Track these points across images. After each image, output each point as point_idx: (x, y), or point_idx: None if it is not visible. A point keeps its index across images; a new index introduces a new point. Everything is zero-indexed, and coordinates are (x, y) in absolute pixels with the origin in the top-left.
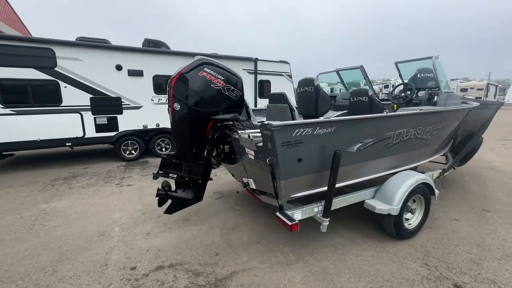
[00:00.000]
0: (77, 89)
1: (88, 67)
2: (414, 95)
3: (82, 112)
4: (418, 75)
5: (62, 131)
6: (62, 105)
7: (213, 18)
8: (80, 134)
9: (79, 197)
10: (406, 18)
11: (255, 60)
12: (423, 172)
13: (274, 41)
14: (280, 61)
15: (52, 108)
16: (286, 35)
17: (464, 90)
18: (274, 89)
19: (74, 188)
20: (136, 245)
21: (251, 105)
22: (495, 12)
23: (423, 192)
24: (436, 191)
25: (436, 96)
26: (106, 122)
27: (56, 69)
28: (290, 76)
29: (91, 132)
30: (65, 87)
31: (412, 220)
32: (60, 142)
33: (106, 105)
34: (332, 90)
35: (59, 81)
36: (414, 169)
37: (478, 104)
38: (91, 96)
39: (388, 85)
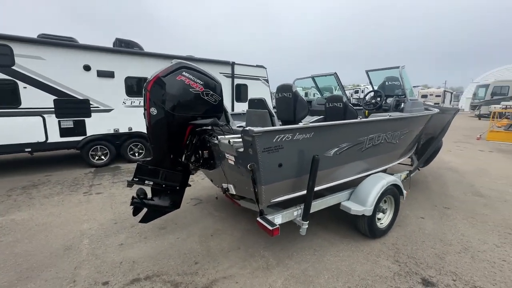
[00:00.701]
0: (39, 90)
1: (52, 66)
2: (383, 102)
3: (44, 115)
4: (386, 83)
5: (20, 135)
6: (21, 107)
7: (189, 19)
8: (42, 139)
9: (41, 208)
10: (368, 30)
11: (232, 64)
12: (392, 174)
13: (251, 45)
14: (257, 66)
15: (9, 110)
16: (262, 38)
17: (424, 96)
18: (251, 93)
19: (34, 198)
20: (108, 257)
21: (228, 109)
22: (448, 28)
23: (393, 193)
24: (404, 192)
25: (403, 103)
26: (73, 126)
27: (14, 67)
28: (267, 81)
29: (54, 137)
30: (24, 87)
31: (384, 219)
32: (18, 147)
33: (72, 108)
34: (306, 94)
35: (17, 81)
36: (384, 171)
37: (439, 110)
38: (55, 97)
39: (358, 90)
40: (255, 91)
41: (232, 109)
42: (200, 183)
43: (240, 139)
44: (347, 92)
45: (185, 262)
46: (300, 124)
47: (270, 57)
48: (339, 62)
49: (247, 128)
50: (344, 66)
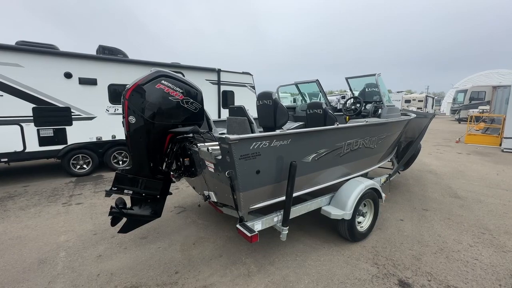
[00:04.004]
0: (17, 98)
1: (31, 74)
2: (363, 108)
3: (22, 124)
4: (366, 90)
5: None
6: None
7: (176, 28)
8: (20, 148)
9: (16, 220)
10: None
11: (218, 71)
12: (372, 178)
13: (238, 53)
14: (243, 72)
15: None
16: (249, 45)
17: (408, 101)
18: (238, 99)
19: (9, 211)
20: (85, 270)
21: (214, 116)
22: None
23: (372, 196)
24: (383, 195)
25: (380, 109)
26: (52, 135)
27: None
28: (253, 87)
29: (33, 146)
30: (1, 95)
31: (364, 223)
32: None
33: (52, 116)
34: (294, 100)
35: None
36: (365, 175)
37: (415, 115)
38: (34, 106)
39: (344, 96)
40: (242, 97)
41: (219, 116)
42: (185, 190)
43: (219, 147)
44: (333, 97)
45: (165, 272)
46: (277, 131)
47: (256, 64)
48: (330, 68)
49: (224, 136)
50: (332, 72)
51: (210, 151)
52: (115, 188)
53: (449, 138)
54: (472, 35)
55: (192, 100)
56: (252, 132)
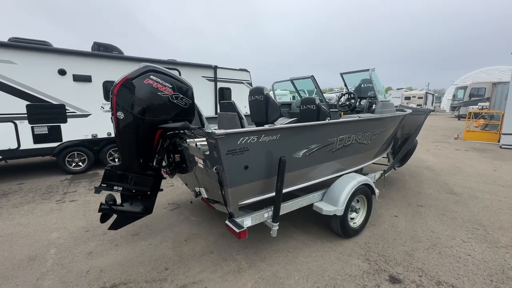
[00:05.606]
0: (10, 95)
1: (24, 71)
2: (358, 103)
3: (16, 121)
4: (362, 85)
5: None
6: None
7: (176, 27)
8: (14, 146)
9: (8, 217)
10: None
11: (215, 68)
12: (366, 174)
13: (238, 52)
14: (240, 69)
15: None
16: (246, 41)
17: (407, 98)
18: (235, 96)
19: (3, 208)
20: (75, 267)
21: (211, 112)
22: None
23: (364, 192)
24: (377, 191)
25: (374, 105)
26: (47, 132)
27: None
28: (251, 84)
29: (27, 143)
30: None
31: (357, 219)
32: None
33: (46, 113)
34: (294, 97)
35: None
36: (360, 171)
37: (411, 111)
38: (28, 103)
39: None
40: (239, 94)
41: (216, 113)
42: (179, 187)
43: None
44: (334, 95)
45: (154, 269)
46: (265, 126)
47: (256, 62)
48: (330, 66)
49: (210, 131)
50: (332, 71)
51: (199, 147)
52: (105, 185)
53: (448, 135)
54: (473, 33)
55: (182, 96)
56: (242, 127)
